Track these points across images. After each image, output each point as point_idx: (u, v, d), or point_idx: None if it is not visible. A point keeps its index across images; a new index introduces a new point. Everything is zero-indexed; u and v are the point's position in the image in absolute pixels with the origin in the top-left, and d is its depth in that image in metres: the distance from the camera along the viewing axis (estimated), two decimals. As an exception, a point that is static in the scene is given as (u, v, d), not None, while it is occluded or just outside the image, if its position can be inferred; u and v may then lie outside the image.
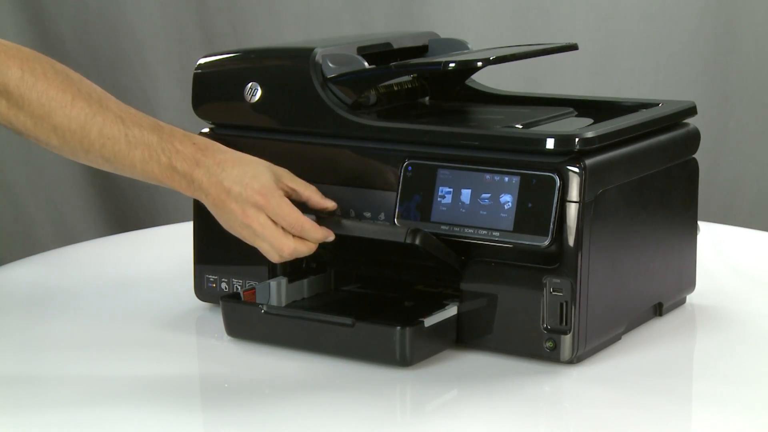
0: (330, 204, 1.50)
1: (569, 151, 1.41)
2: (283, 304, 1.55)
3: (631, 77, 3.17)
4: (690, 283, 1.64)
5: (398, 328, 1.41)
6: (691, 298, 1.66)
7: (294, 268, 1.58)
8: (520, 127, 1.51)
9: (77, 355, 1.50)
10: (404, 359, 1.42)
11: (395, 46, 1.68)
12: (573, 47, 1.63)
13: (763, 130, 3.17)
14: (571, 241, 1.40)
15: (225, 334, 1.52)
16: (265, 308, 1.49)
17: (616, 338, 1.51)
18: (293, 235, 1.45)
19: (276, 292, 1.55)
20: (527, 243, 1.41)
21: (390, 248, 1.46)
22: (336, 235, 1.48)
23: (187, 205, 1.64)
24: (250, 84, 1.59)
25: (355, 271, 1.60)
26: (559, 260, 1.41)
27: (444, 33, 1.80)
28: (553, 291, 1.41)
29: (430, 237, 1.43)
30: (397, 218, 1.48)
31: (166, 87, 3.32)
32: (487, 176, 1.44)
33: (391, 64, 1.57)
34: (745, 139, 3.18)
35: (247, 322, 1.49)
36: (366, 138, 1.52)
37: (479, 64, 1.51)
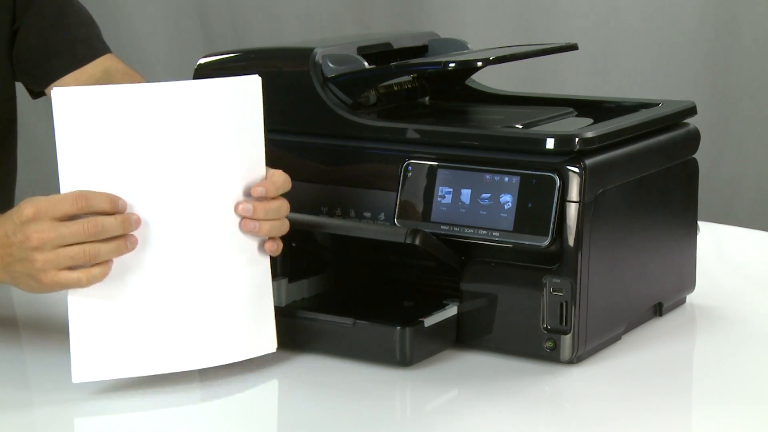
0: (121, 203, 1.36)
1: (569, 151, 1.41)
2: (283, 304, 1.55)
3: (631, 77, 3.17)
4: (690, 283, 1.64)
5: (398, 328, 1.41)
6: (691, 298, 1.66)
7: (294, 268, 1.58)
8: (520, 127, 1.51)
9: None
10: (404, 359, 1.42)
11: (395, 46, 1.68)
12: (573, 47, 1.63)
13: (763, 130, 3.17)
14: (571, 241, 1.40)
15: (225, 334, 1.52)
16: (265, 308, 1.49)
17: (616, 338, 1.51)
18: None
19: (276, 292, 1.55)
20: (527, 243, 1.41)
21: (390, 248, 1.46)
22: (336, 235, 1.47)
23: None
24: (250, 84, 1.58)
25: (355, 271, 1.60)
26: (559, 260, 1.41)
27: (444, 33, 1.80)
28: (553, 291, 1.41)
29: (430, 237, 1.43)
30: (397, 218, 1.48)
31: (166, 87, 3.32)
32: (487, 176, 1.44)
33: (391, 64, 1.57)
34: (745, 139, 3.18)
35: (247, 322, 1.49)
36: (366, 138, 1.52)
37: (479, 64, 1.51)
